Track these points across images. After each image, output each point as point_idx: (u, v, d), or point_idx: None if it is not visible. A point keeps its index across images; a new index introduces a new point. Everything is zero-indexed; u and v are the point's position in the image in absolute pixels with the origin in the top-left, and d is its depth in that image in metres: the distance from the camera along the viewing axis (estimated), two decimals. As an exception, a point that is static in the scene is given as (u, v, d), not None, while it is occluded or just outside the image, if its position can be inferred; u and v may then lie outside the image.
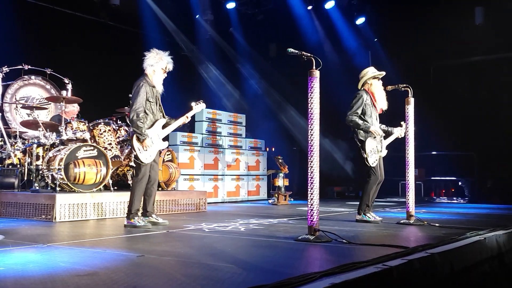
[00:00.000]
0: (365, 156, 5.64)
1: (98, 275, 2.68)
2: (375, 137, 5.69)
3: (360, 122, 5.67)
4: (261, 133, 11.77)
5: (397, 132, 6.01)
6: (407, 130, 5.75)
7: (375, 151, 5.70)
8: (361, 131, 5.69)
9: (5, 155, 6.59)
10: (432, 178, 11.77)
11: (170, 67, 5.18)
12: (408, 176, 5.67)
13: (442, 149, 11.78)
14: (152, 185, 5.21)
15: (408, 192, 5.65)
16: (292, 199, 9.82)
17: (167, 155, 7.79)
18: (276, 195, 9.36)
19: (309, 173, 4.05)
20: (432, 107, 11.13)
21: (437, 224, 5.38)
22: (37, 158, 6.45)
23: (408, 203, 5.62)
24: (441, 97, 11.69)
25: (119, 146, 7.13)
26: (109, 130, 7.03)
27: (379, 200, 9.78)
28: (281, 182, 9.47)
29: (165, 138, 5.31)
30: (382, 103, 5.84)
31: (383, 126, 6.03)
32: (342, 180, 12.83)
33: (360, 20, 12.65)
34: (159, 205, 6.71)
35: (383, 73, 5.87)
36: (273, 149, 11.36)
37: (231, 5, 12.27)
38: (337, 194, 12.38)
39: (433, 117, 10.88)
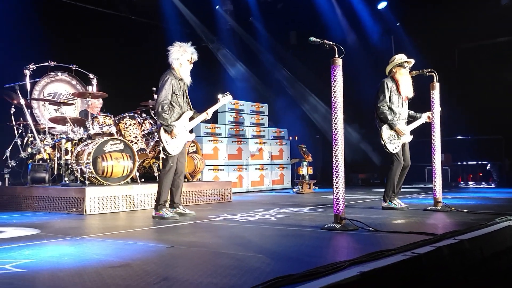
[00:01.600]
0: (382, 143, 5.63)
1: (131, 267, 2.75)
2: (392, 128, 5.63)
3: (390, 117, 5.64)
4: (283, 122, 11.76)
5: (424, 118, 5.91)
6: (433, 115, 5.68)
7: (394, 136, 5.65)
8: (382, 120, 5.66)
9: (36, 151, 6.78)
10: (459, 163, 11.59)
11: (195, 57, 5.24)
12: (434, 162, 5.60)
13: (469, 133, 11.58)
14: (178, 176, 5.29)
15: (434, 177, 5.59)
16: (316, 188, 9.81)
17: (192, 146, 7.87)
18: (301, 183, 9.37)
19: (334, 162, 4.04)
20: (458, 90, 10.94)
21: (465, 210, 5.31)
22: (66, 152, 6.61)
23: (435, 189, 5.55)
24: (467, 80, 11.46)
25: (144, 139, 7.24)
26: (134, 123, 7.14)
27: (405, 186, 9.68)
28: (305, 170, 9.46)
29: (190, 130, 5.36)
30: (407, 91, 5.74)
31: (411, 112, 5.95)
32: (367, 167, 12.74)
33: (382, 5, 12.45)
34: (185, 196, 6.81)
35: (411, 60, 5.72)
36: (296, 138, 11.35)
37: (250, -6, 12.26)
38: (362, 181, 12.31)
39: (458, 101, 10.69)
